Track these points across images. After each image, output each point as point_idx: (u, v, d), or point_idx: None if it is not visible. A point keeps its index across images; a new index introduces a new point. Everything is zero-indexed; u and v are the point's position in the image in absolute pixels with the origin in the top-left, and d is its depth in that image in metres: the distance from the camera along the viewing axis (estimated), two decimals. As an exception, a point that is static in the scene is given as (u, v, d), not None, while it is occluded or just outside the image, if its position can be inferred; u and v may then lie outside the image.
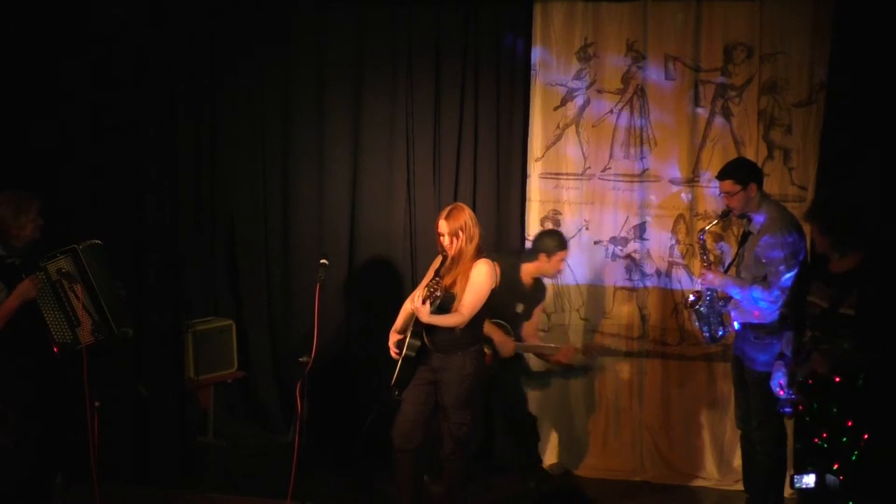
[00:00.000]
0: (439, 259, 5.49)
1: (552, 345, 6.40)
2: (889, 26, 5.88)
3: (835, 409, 4.78)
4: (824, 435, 4.81)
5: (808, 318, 4.96)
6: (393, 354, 5.42)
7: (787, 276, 5.38)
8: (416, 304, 5.12)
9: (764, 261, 5.46)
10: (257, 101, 7.03)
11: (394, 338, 5.46)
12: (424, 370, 5.35)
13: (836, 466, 4.76)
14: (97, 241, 5.43)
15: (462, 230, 5.26)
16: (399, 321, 5.53)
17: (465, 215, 5.31)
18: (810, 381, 4.91)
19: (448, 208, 5.37)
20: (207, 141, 7.08)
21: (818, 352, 4.81)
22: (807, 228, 5.82)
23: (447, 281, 5.24)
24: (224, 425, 7.18)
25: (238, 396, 7.35)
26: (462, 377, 5.30)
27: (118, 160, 6.40)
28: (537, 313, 6.42)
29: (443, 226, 5.29)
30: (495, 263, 5.37)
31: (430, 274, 5.50)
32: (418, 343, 5.28)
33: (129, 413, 6.26)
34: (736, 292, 5.59)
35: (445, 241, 5.30)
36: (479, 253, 5.33)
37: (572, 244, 6.65)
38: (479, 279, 5.25)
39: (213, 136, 7.09)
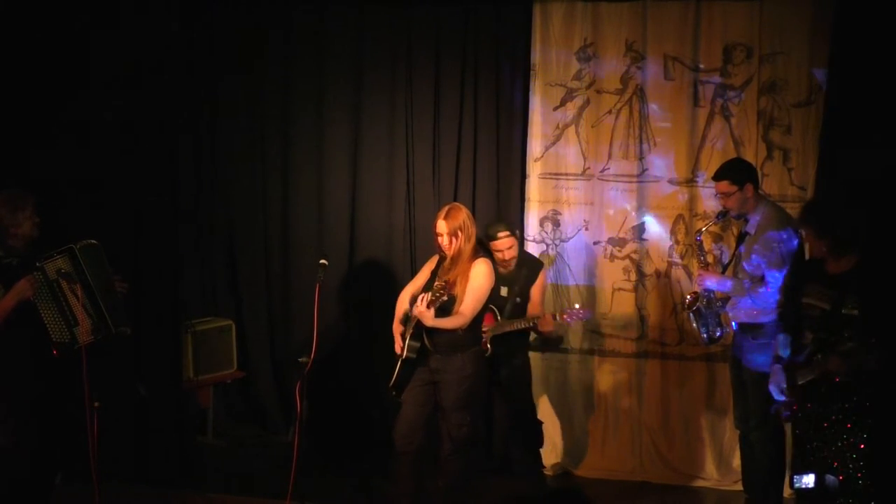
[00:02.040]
0: (434, 259, 5.49)
1: (528, 321, 6.21)
2: (888, 26, 5.87)
3: (845, 406, 4.78)
4: (825, 425, 4.81)
5: (806, 320, 4.95)
6: (397, 348, 5.40)
7: (785, 275, 5.38)
8: (420, 309, 5.10)
9: (762, 260, 5.46)
10: (257, 101, 7.04)
11: (400, 329, 5.45)
12: (423, 371, 5.34)
13: (835, 465, 4.76)
14: (93, 241, 5.43)
15: (461, 230, 5.27)
16: (400, 314, 5.52)
17: (463, 214, 5.31)
18: (812, 380, 4.90)
19: (446, 208, 5.37)
20: (207, 141, 7.10)
21: (837, 354, 4.76)
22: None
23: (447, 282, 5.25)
24: (223, 425, 7.19)
25: (238, 396, 7.36)
26: (462, 378, 5.30)
27: (118, 161, 6.41)
28: (536, 294, 6.29)
29: (441, 226, 5.29)
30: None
31: (425, 274, 5.50)
32: (418, 344, 5.28)
33: (128, 413, 6.26)
34: (734, 292, 5.58)
35: (444, 241, 5.30)
36: (477, 252, 5.35)
37: (572, 244, 6.67)
38: (479, 280, 5.26)
39: (213, 137, 7.10)
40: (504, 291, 6.20)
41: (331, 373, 6.63)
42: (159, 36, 6.40)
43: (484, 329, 5.78)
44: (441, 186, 6.82)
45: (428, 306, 5.10)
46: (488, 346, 5.95)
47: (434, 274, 5.42)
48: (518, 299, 6.23)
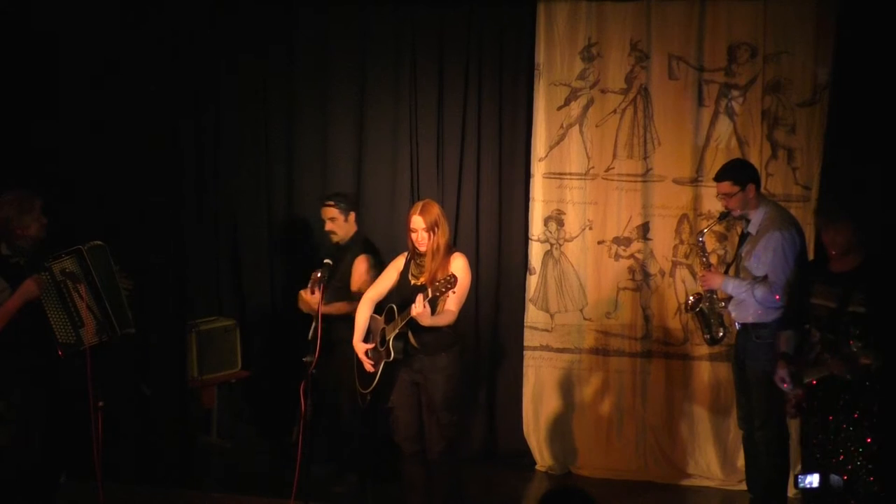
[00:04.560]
0: (399, 260, 5.49)
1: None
2: (892, 25, 5.87)
3: (841, 402, 4.78)
4: (831, 422, 4.81)
5: (814, 319, 4.95)
6: (368, 367, 5.38)
7: (788, 274, 5.38)
8: (418, 310, 5.08)
9: (764, 260, 5.45)
10: (260, 101, 7.03)
11: (364, 347, 5.42)
12: (407, 372, 5.35)
13: (841, 459, 4.76)
14: (100, 242, 5.43)
15: (437, 224, 5.28)
16: (360, 330, 5.48)
17: (437, 209, 5.34)
18: (814, 382, 4.90)
19: (420, 204, 5.37)
20: (211, 141, 7.09)
21: (838, 356, 4.76)
22: (809, 227, 5.87)
23: (424, 278, 5.26)
24: (227, 425, 7.18)
25: (241, 396, 7.35)
26: (448, 377, 5.32)
27: (121, 161, 6.42)
28: (353, 283, 6.17)
29: (418, 221, 5.27)
30: None
31: (390, 277, 5.48)
32: (402, 345, 5.27)
33: (132, 412, 6.27)
34: (737, 292, 5.58)
35: (420, 236, 5.28)
36: (450, 247, 5.38)
37: (576, 244, 6.66)
38: (461, 274, 5.23)
39: (217, 137, 7.09)
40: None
41: (335, 372, 6.62)
42: (163, 35, 6.41)
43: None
44: (445, 186, 6.82)
45: (425, 305, 5.07)
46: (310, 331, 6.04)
47: (404, 274, 5.41)
48: (339, 284, 6.17)
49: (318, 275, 5.66)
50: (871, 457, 4.76)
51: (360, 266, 6.20)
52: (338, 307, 6.10)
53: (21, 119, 6.36)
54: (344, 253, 6.26)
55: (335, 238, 6.33)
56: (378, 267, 6.03)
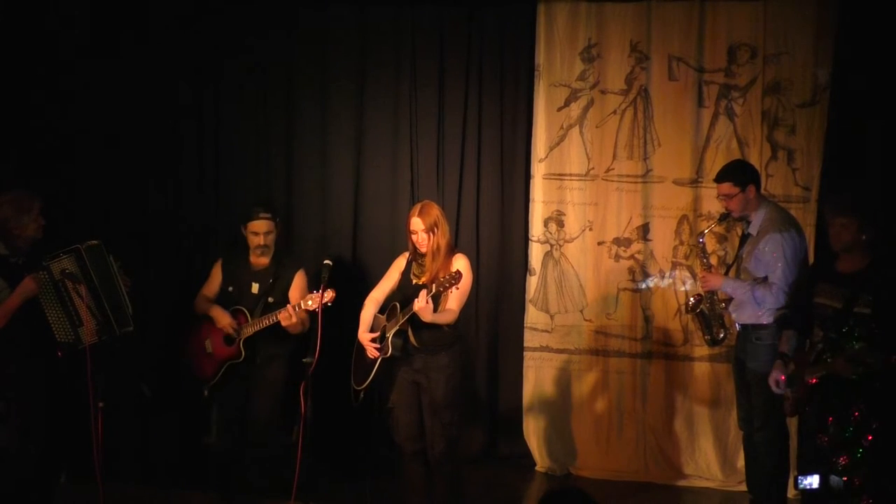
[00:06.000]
0: (401, 260, 5.51)
1: (272, 318, 5.83)
2: (893, 26, 5.88)
3: (841, 403, 4.78)
4: (829, 420, 4.81)
5: (818, 318, 4.95)
6: (373, 353, 5.36)
7: (788, 275, 5.38)
8: (421, 304, 5.10)
9: (764, 261, 5.45)
10: (260, 101, 7.02)
11: (370, 336, 5.40)
12: (407, 371, 5.37)
13: (842, 460, 4.76)
14: (97, 241, 5.42)
15: (436, 225, 5.30)
16: (365, 325, 5.47)
17: (437, 210, 5.35)
18: (814, 380, 4.90)
19: (419, 206, 5.39)
20: (211, 141, 7.08)
21: (843, 357, 4.75)
22: (809, 228, 5.86)
23: (425, 278, 5.27)
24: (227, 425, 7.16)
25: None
26: (448, 376, 5.33)
27: (121, 162, 6.42)
28: (294, 298, 5.94)
29: (417, 223, 5.30)
30: None
31: (393, 276, 5.51)
32: (401, 342, 5.28)
33: (132, 412, 6.27)
34: (737, 293, 5.58)
35: (421, 238, 5.30)
36: (452, 248, 5.39)
37: (576, 245, 6.66)
38: (464, 273, 5.23)
39: (217, 137, 7.08)
40: (255, 289, 6.00)
41: (335, 373, 6.63)
42: (162, 34, 6.41)
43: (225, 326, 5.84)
44: (445, 187, 6.83)
45: (428, 300, 5.08)
46: (241, 349, 5.88)
47: (406, 274, 5.42)
48: (270, 299, 5.96)
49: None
50: (871, 458, 4.76)
51: (302, 281, 6.05)
52: (264, 321, 5.90)
53: (20, 118, 6.36)
54: (274, 268, 6.02)
55: (265, 253, 6.01)
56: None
